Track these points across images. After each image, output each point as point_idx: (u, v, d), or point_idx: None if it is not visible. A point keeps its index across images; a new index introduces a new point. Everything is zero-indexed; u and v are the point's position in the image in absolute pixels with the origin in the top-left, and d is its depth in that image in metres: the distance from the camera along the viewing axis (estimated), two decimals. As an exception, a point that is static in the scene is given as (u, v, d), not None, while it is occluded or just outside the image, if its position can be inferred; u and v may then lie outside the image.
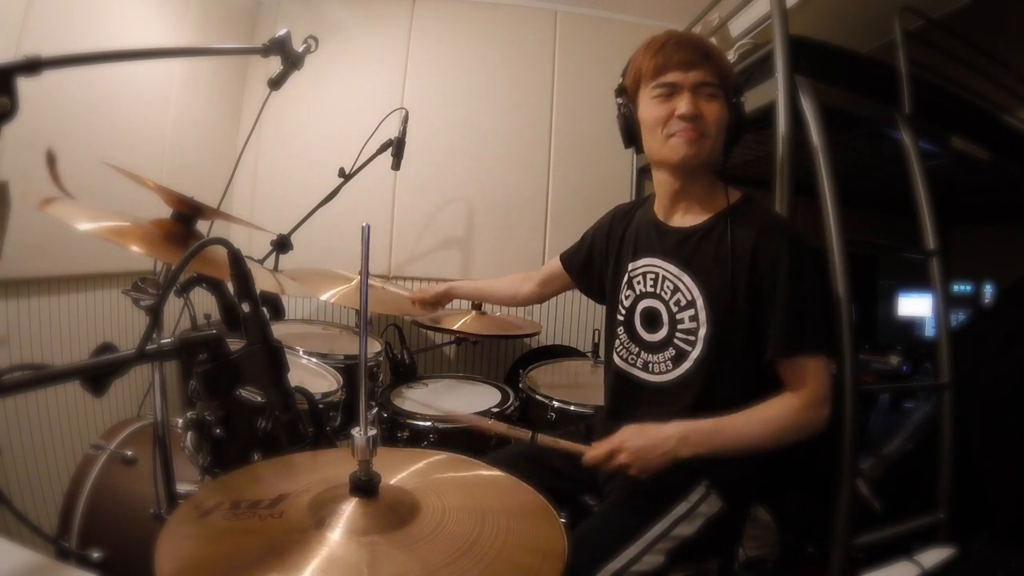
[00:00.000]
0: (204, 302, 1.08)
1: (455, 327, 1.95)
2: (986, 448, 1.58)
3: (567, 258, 1.42)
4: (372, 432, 0.62)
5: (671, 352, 1.09)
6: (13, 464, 1.48)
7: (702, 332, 1.05)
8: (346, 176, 1.93)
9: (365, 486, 0.62)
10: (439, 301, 1.64)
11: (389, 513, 0.61)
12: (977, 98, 1.85)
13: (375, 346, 1.95)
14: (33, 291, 1.54)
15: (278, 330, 0.87)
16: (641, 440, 0.95)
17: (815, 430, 0.97)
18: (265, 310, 0.71)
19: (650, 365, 1.12)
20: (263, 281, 0.97)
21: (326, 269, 1.86)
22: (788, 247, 1.00)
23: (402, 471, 0.72)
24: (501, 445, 1.34)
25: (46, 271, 1.57)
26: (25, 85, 0.65)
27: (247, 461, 1.00)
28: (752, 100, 1.45)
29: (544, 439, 1.00)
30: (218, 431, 0.99)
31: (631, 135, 1.13)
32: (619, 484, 1.09)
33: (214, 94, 2.29)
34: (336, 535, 0.57)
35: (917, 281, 2.43)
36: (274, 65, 1.10)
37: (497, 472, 0.76)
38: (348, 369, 1.61)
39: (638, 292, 1.16)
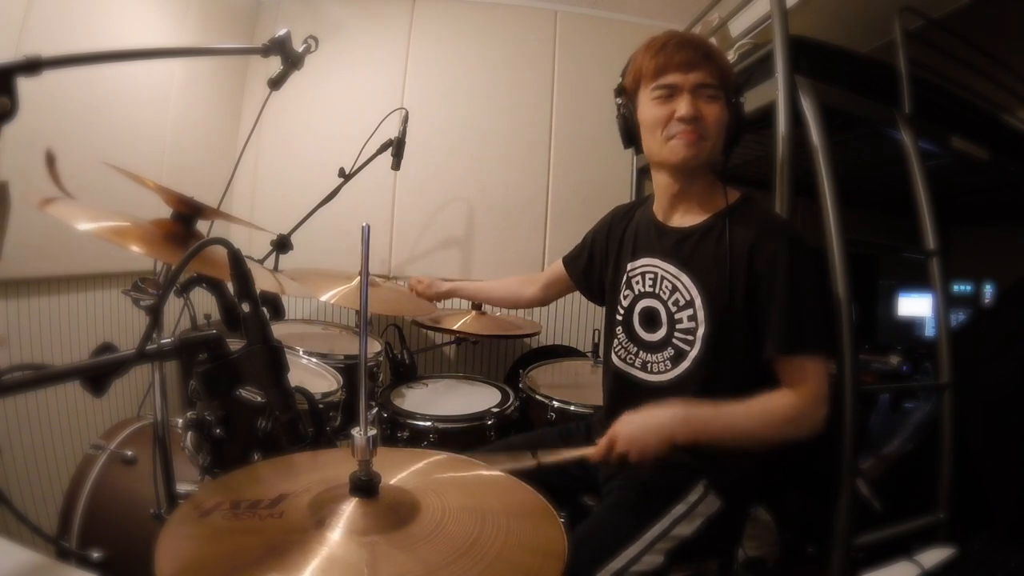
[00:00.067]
0: (204, 302, 1.08)
1: (455, 327, 1.95)
2: (986, 448, 1.58)
3: (569, 261, 1.42)
4: (372, 432, 0.62)
5: (670, 352, 1.09)
6: (13, 464, 1.48)
7: (701, 332, 1.05)
8: (346, 176, 1.93)
9: (365, 486, 0.62)
10: (439, 299, 1.66)
11: (389, 513, 0.61)
12: (977, 98, 1.85)
13: (375, 346, 1.95)
14: (33, 291, 1.54)
15: (278, 330, 0.87)
16: (634, 426, 0.95)
17: (812, 429, 0.96)
18: (265, 310, 0.71)
19: (649, 365, 1.12)
20: (263, 281, 0.97)
21: (326, 269, 1.86)
22: (787, 247, 1.00)
23: (402, 471, 0.72)
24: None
25: (46, 271, 1.57)
26: (25, 85, 0.65)
27: (247, 461, 0.99)
28: (752, 100, 1.45)
29: (548, 457, 0.99)
30: (218, 431, 0.99)
31: (630, 135, 1.13)
32: (619, 484, 1.09)
33: (214, 94, 2.29)
34: (336, 535, 0.57)
35: (917, 281, 2.43)
36: (274, 65, 1.11)
37: (497, 472, 0.76)
38: (348, 369, 1.61)
39: (637, 292, 1.16)
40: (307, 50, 1.12)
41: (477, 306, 2.04)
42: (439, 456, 0.80)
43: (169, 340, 0.63)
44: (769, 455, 1.10)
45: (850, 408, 1.25)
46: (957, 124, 1.71)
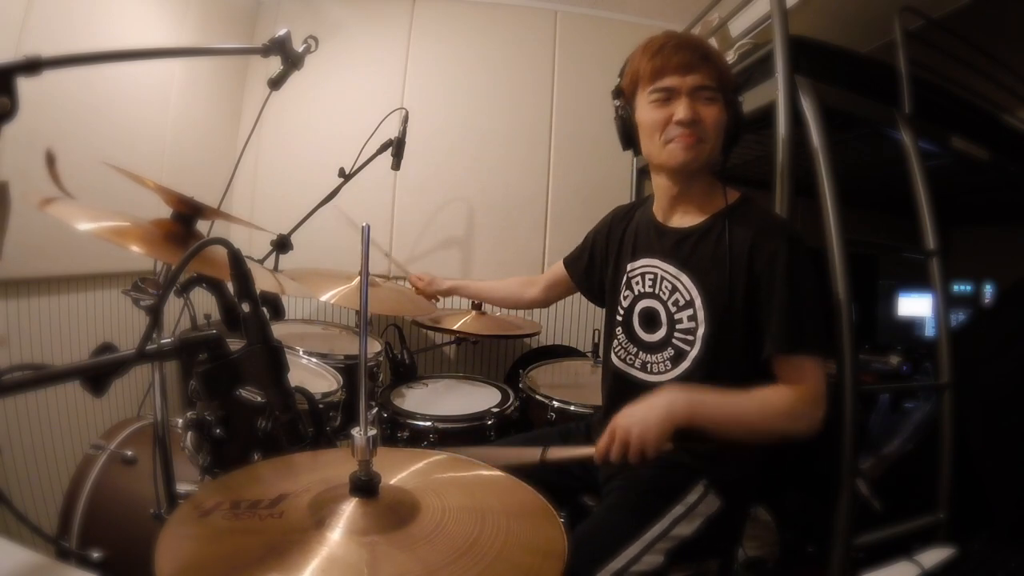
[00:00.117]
0: (204, 302, 1.08)
1: (455, 327, 1.95)
2: (986, 448, 1.58)
3: (570, 262, 1.42)
4: (372, 432, 0.62)
5: (670, 352, 1.09)
6: (13, 464, 1.48)
7: (700, 332, 1.05)
8: (346, 176, 1.93)
9: (365, 486, 0.62)
10: (439, 296, 1.67)
11: (389, 513, 0.61)
12: (977, 98, 1.85)
13: (375, 346, 1.95)
14: (33, 291, 1.54)
15: (278, 330, 0.87)
16: (632, 418, 0.93)
17: (808, 428, 0.96)
18: (265, 310, 0.71)
19: (648, 365, 1.12)
20: (263, 281, 0.97)
21: (326, 269, 1.86)
22: (786, 247, 1.00)
23: (402, 471, 0.72)
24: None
25: (46, 271, 1.57)
26: (25, 85, 0.65)
27: (247, 461, 0.99)
28: (752, 100, 1.45)
29: (554, 453, 0.99)
30: (218, 431, 0.99)
31: (629, 138, 1.12)
32: (619, 484, 1.09)
33: (214, 94, 2.29)
34: (336, 535, 0.57)
35: (917, 281, 2.43)
36: (274, 65, 1.11)
37: (497, 472, 0.76)
38: (348, 369, 1.61)
39: (637, 292, 1.16)
40: (307, 50, 1.12)
41: (477, 306, 2.04)
42: (439, 456, 0.80)
43: (169, 340, 0.63)
44: (769, 455, 1.11)
45: (850, 408, 1.25)
46: (957, 124, 1.71)
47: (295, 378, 0.74)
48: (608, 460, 0.94)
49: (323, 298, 1.56)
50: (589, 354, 2.11)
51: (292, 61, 1.08)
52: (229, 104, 2.39)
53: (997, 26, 1.92)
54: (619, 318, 1.19)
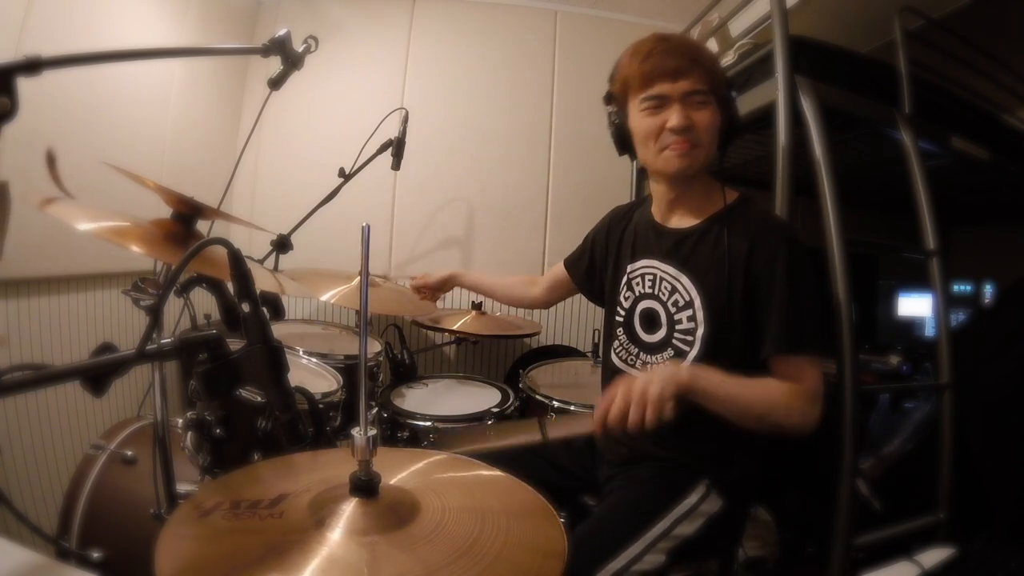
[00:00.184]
0: (204, 302, 1.08)
1: (455, 327, 1.95)
2: (986, 448, 1.58)
3: (571, 264, 1.42)
4: (372, 432, 0.62)
5: (670, 352, 1.09)
6: (13, 464, 1.48)
7: (700, 332, 1.05)
8: (346, 176, 1.93)
9: (365, 486, 0.62)
10: (441, 287, 1.64)
11: (389, 513, 0.61)
12: (977, 98, 1.84)
13: (375, 346, 1.95)
14: (33, 291, 1.54)
15: (278, 330, 0.87)
16: (634, 380, 0.89)
17: (804, 424, 0.95)
18: (265, 310, 0.71)
19: (649, 366, 1.12)
20: (263, 281, 0.97)
21: (326, 269, 1.86)
22: (784, 248, 1.00)
23: (402, 471, 0.72)
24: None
25: (46, 271, 1.57)
26: (25, 85, 0.65)
27: (247, 461, 0.99)
28: (752, 100, 1.45)
29: (554, 431, 0.98)
30: (218, 431, 0.99)
31: (624, 144, 1.12)
32: (619, 484, 1.09)
33: (214, 94, 2.29)
34: (336, 535, 0.57)
35: (917, 281, 2.43)
36: (274, 65, 1.11)
37: (497, 472, 0.76)
38: (348, 369, 1.61)
39: (637, 293, 1.16)
40: (307, 50, 1.12)
41: (477, 306, 2.04)
42: (439, 456, 0.80)
43: (169, 340, 0.63)
44: (769, 455, 1.11)
45: (850, 408, 1.25)
46: (957, 124, 1.71)
47: (295, 378, 0.74)
48: (607, 430, 0.89)
49: (323, 298, 1.56)
50: (589, 354, 2.11)
51: (292, 61, 1.08)
52: (229, 104, 2.39)
53: (997, 26, 1.93)
54: (620, 319, 1.19)
